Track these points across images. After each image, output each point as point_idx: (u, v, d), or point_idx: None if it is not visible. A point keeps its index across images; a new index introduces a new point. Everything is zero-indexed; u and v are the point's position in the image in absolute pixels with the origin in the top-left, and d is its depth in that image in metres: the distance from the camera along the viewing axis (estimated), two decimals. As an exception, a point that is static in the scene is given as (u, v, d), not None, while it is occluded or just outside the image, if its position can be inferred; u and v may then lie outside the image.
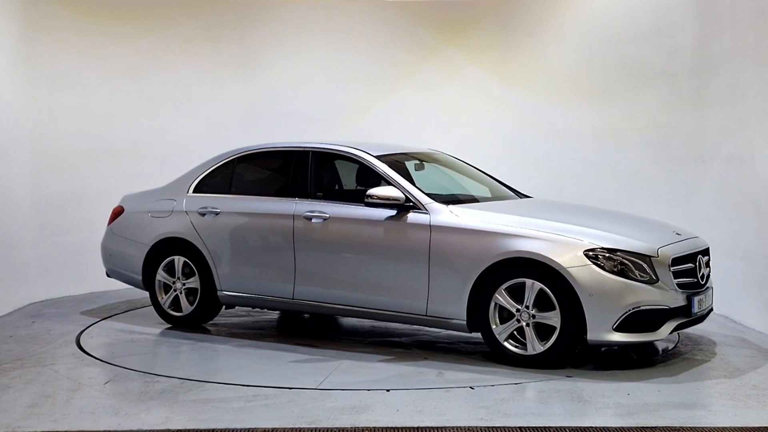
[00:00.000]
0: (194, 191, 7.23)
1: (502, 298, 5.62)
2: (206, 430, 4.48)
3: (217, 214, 6.93)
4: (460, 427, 4.46)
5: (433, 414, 4.67)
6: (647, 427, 4.44)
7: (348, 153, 6.57)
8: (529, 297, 5.52)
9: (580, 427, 4.43)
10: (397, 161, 6.70)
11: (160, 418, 4.65)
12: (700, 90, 7.55)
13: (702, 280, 5.81)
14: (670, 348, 6.17)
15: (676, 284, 5.54)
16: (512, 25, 9.96)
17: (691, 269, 5.71)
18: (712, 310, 6.05)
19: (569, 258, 5.42)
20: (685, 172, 7.84)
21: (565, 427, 4.44)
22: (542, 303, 5.51)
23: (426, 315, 5.93)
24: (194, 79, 9.57)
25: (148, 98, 9.36)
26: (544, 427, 4.44)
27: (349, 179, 6.81)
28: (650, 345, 6.17)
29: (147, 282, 7.28)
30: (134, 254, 7.35)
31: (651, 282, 5.43)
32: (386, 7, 10.02)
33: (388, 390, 5.13)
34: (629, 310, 5.33)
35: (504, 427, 4.45)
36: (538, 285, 5.48)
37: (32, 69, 8.58)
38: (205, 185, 7.20)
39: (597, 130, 8.96)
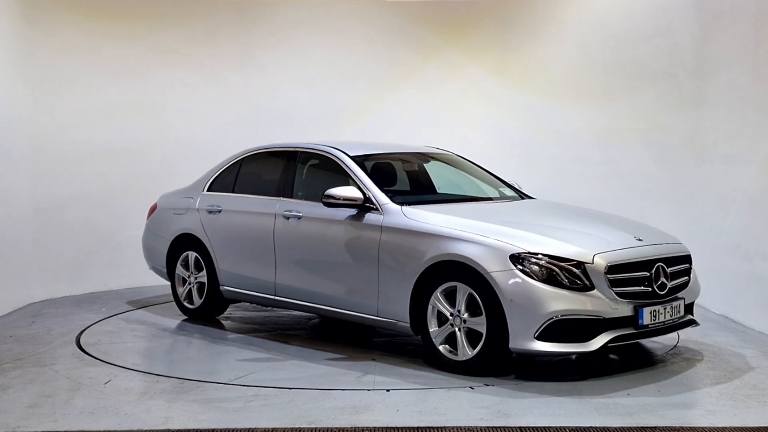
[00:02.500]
0: (208, 190, 7.49)
1: (437, 301, 5.53)
2: (206, 430, 4.48)
3: (219, 212, 7.18)
4: (460, 427, 4.46)
5: (433, 414, 4.67)
6: (647, 427, 4.44)
7: (326, 152, 6.64)
8: (460, 301, 5.41)
9: (580, 427, 4.43)
10: (385, 161, 6.78)
11: (160, 418, 4.65)
12: (700, 90, 7.55)
13: (661, 290, 5.44)
14: (670, 348, 6.17)
15: (620, 293, 5.22)
16: (512, 25, 9.96)
17: (646, 278, 5.38)
18: (692, 321, 5.75)
19: (495, 262, 5.23)
20: (685, 172, 7.84)
21: (565, 427, 4.44)
22: (474, 308, 5.36)
23: (377, 316, 5.94)
24: (194, 79, 9.57)
25: (148, 98, 9.36)
26: (544, 427, 4.44)
27: (328, 178, 6.78)
28: (648, 345, 6.15)
29: (170, 275, 7.66)
30: (160, 249, 7.74)
31: (584, 289, 5.16)
32: (386, 7, 10.02)
33: (388, 390, 5.13)
34: (551, 318, 5.07)
35: (504, 427, 4.45)
36: (468, 289, 5.35)
37: (32, 69, 8.58)
38: (217, 184, 7.46)
39: (597, 130, 8.96)
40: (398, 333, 6.03)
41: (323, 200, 6.11)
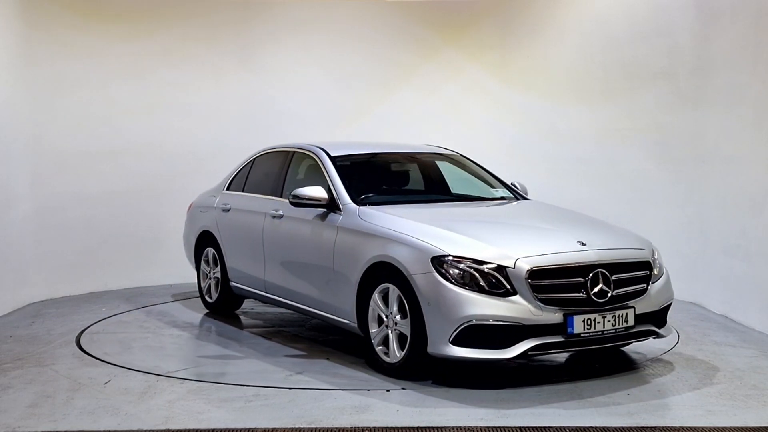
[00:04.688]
0: (227, 189, 7.68)
1: (374, 303, 5.52)
2: (206, 430, 4.48)
3: (229, 210, 7.39)
4: (460, 427, 4.46)
5: (433, 414, 4.67)
6: (647, 427, 4.44)
7: (310, 152, 6.71)
8: (392, 303, 5.36)
9: (580, 427, 4.44)
10: (371, 161, 6.82)
11: (160, 418, 4.65)
12: (700, 90, 7.55)
13: (600, 298, 5.11)
14: (669, 348, 6.16)
15: (546, 299, 4.99)
16: (512, 25, 9.96)
17: (581, 284, 5.08)
18: (650, 332, 5.40)
19: (417, 264, 5.14)
20: (685, 172, 7.84)
21: (565, 427, 4.44)
22: (405, 310, 5.29)
23: (334, 315, 5.98)
24: (194, 79, 9.56)
25: (148, 98, 9.36)
26: (544, 427, 4.44)
27: (313, 178, 6.77)
28: (649, 345, 6.14)
29: (198, 270, 8.03)
30: (189, 245, 8.09)
31: (506, 294, 4.97)
32: (386, 7, 10.02)
33: (387, 390, 5.13)
34: (465, 323, 4.92)
35: (504, 427, 4.45)
36: (398, 291, 5.29)
37: (32, 69, 8.58)
38: (234, 183, 7.66)
39: (597, 130, 8.96)
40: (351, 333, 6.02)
41: (290, 200, 6.19)
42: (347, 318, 5.81)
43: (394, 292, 5.35)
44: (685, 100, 7.77)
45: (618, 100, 8.65)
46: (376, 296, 5.50)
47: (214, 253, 7.61)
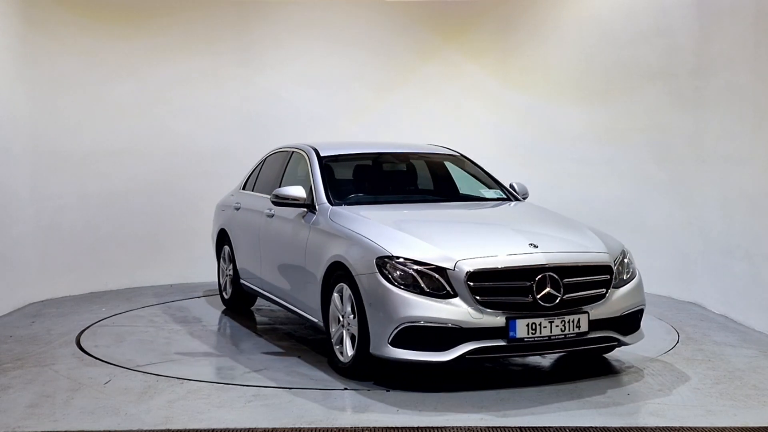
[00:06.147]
0: (242, 188, 7.81)
1: (333, 302, 5.51)
2: (206, 430, 4.48)
3: (239, 209, 7.53)
4: (460, 427, 4.46)
5: (433, 414, 4.67)
6: (647, 427, 4.44)
7: (303, 151, 6.75)
8: (346, 303, 5.35)
9: (580, 427, 4.44)
10: (362, 161, 6.84)
11: (160, 418, 4.65)
12: (700, 90, 7.56)
13: (547, 302, 4.96)
14: (669, 348, 6.16)
15: (487, 302, 4.89)
16: (512, 25, 9.96)
17: (526, 287, 4.95)
18: (614, 340, 5.24)
19: (363, 265, 5.13)
20: (685, 172, 7.84)
21: (565, 427, 4.44)
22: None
23: (307, 314, 6.04)
24: (194, 79, 9.56)
25: (148, 98, 9.36)
26: (544, 427, 4.44)
27: (305, 178, 6.75)
28: (648, 346, 6.13)
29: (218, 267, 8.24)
30: (213, 243, 8.27)
31: (447, 297, 4.91)
32: (386, 7, 10.02)
33: (387, 390, 5.13)
34: (402, 325, 4.88)
35: (504, 427, 4.45)
36: (349, 291, 5.29)
37: (32, 69, 8.57)
38: (248, 182, 7.78)
39: (597, 130, 8.96)
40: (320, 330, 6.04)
41: (271, 199, 6.26)
42: (315, 316, 5.87)
43: (346, 291, 5.35)
44: (685, 100, 7.77)
45: (618, 100, 8.65)
46: (335, 296, 5.51)
47: (229, 251, 7.76)
